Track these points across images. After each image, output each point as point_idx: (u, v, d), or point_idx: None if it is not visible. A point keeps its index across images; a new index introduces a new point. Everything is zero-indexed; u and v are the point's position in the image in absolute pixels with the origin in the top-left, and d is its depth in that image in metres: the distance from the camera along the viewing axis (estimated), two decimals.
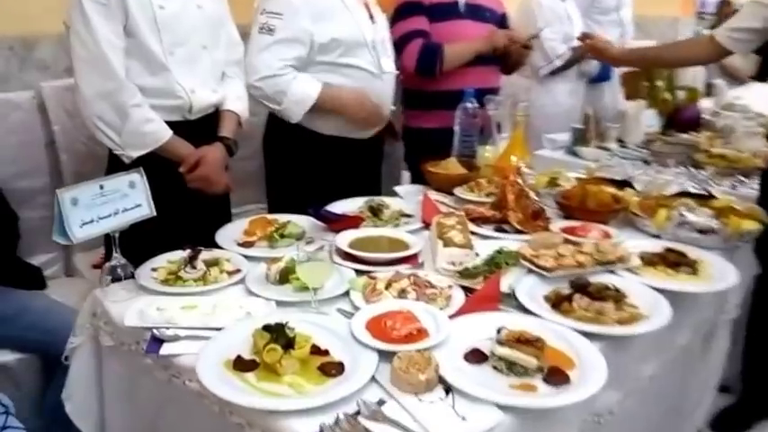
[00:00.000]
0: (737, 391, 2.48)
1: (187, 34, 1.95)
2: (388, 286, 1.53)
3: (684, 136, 2.97)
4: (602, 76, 3.51)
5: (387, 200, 2.11)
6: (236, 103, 2.15)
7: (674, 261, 1.77)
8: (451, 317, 1.44)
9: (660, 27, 4.00)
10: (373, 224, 1.95)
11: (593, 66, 3.43)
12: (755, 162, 2.62)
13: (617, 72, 3.49)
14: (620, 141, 2.90)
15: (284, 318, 1.35)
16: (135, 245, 1.76)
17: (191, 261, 1.57)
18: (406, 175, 3.17)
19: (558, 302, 1.55)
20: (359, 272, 1.64)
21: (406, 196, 2.23)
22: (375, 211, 1.99)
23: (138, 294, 1.54)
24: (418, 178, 2.64)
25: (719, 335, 2.03)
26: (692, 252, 1.81)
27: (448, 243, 1.70)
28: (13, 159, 2.22)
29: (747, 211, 2.04)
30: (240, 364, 1.26)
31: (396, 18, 2.76)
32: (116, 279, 1.52)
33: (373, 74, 2.36)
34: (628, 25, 3.72)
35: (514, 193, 1.99)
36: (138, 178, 1.51)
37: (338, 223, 1.86)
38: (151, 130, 1.90)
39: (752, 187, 2.43)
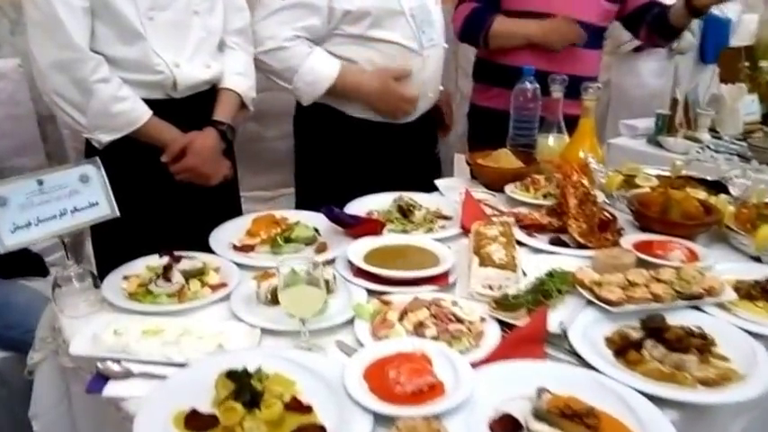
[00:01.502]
0: None
1: None
2: (402, 317, 1.21)
3: None
4: (709, 56, 2.99)
5: (419, 197, 1.77)
6: (237, 79, 1.79)
7: None
8: (479, 363, 1.11)
9: None
10: (402, 228, 1.62)
11: (687, 41, 2.93)
12: None
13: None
14: (714, 132, 2.45)
15: (262, 357, 1.06)
16: (118, 248, 1.51)
17: (165, 272, 1.29)
18: (460, 160, 2.78)
19: (623, 349, 1.19)
20: (372, 291, 1.33)
21: (447, 192, 1.89)
22: (404, 212, 1.66)
23: (100, 309, 1.27)
24: None
25: None
26: None
27: (485, 261, 1.36)
28: (1, 135, 1.98)
29: None
30: (193, 421, 0.97)
31: None
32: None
33: (412, 50, 1.97)
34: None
35: (578, 197, 1.63)
36: (94, 171, 1.22)
37: (355, 228, 1.53)
38: (122, 109, 1.57)
39: None
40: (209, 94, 1.74)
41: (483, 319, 1.23)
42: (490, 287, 1.33)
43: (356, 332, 1.19)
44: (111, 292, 1.29)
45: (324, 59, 1.91)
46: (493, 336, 1.19)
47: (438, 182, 1.96)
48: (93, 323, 1.20)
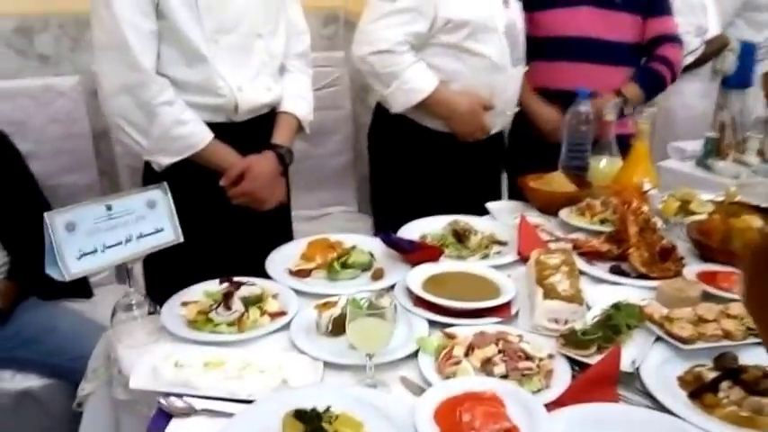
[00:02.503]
0: None
1: (237, 18, 1.58)
2: (468, 352, 1.18)
3: None
4: (741, 78, 2.95)
5: (473, 221, 1.74)
6: (297, 103, 1.78)
7: None
8: (551, 405, 1.07)
9: None
10: (457, 253, 1.59)
11: (730, 63, 2.89)
12: None
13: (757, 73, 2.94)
14: (763, 155, 2.39)
15: (328, 395, 1.03)
16: (170, 271, 1.49)
17: (225, 299, 1.27)
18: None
19: (698, 391, 1.15)
20: (432, 323, 1.30)
21: (499, 215, 1.86)
22: (459, 237, 1.63)
23: (159, 338, 1.25)
24: (516, 191, 2.25)
25: None
26: None
27: (550, 293, 1.32)
28: (57, 152, 1.98)
29: None
30: None
31: None
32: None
33: (499, 67, 1.99)
34: None
35: (638, 224, 1.58)
36: (161, 196, 1.21)
37: (413, 254, 1.50)
38: (184, 133, 1.55)
39: None
40: (268, 117, 1.72)
41: (551, 356, 1.19)
42: (555, 321, 1.30)
43: (421, 368, 1.16)
44: (171, 319, 1.27)
45: (424, 71, 1.96)
46: (563, 375, 1.15)
47: (489, 205, 1.92)
48: (151, 353, 1.18)
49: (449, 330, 1.26)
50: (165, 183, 1.24)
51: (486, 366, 1.15)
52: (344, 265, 1.48)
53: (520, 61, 2.08)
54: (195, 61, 1.55)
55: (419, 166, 2.07)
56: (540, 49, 2.21)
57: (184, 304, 1.32)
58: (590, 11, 2.21)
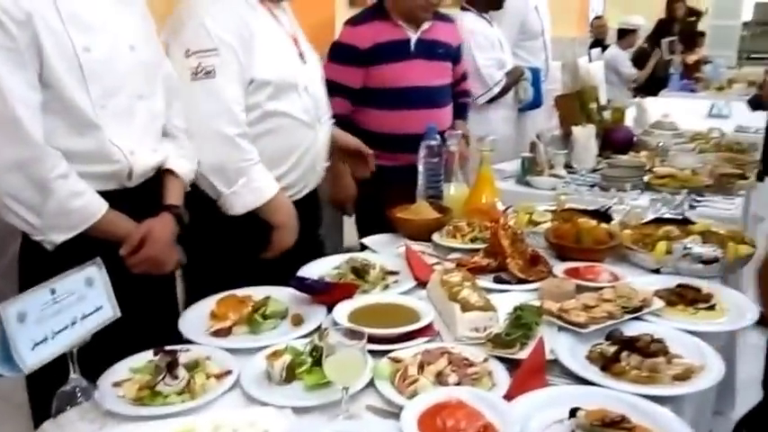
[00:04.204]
0: None
1: (120, 82, 1.54)
2: (420, 370, 1.28)
3: (626, 157, 2.94)
4: (535, 102, 3.44)
5: (366, 257, 1.84)
6: (182, 163, 1.74)
7: (692, 298, 1.65)
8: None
9: (561, 47, 4.03)
10: (361, 289, 1.68)
11: (528, 90, 3.36)
12: (703, 180, 2.61)
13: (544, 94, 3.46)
14: (569, 168, 2.81)
15: None
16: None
17: (170, 369, 1.23)
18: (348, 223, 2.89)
19: (607, 364, 1.36)
20: (371, 352, 1.37)
21: (379, 248, 1.98)
22: (359, 272, 1.72)
23: (104, 424, 1.18)
24: (367, 225, 2.42)
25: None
26: (698, 284, 1.70)
27: (467, 306, 1.47)
28: None
29: (731, 233, 1.98)
30: None
31: (328, 58, 2.56)
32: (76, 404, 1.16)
33: (306, 124, 2.01)
34: (549, 49, 3.71)
35: (509, 237, 1.80)
36: (96, 272, 1.15)
37: (329, 294, 1.57)
38: (80, 206, 1.47)
39: (709, 206, 2.40)
40: (154, 180, 1.67)
41: (486, 360, 1.34)
42: (476, 329, 1.45)
43: (384, 393, 1.23)
44: (112, 402, 1.21)
45: (266, 172, 1.90)
46: (501, 373, 1.30)
47: (366, 240, 2.04)
48: None
49: (393, 355, 1.35)
50: (99, 258, 1.18)
51: (441, 378, 1.26)
52: (265, 316, 1.50)
53: (325, 116, 2.12)
54: (85, 129, 1.47)
55: (228, 241, 1.92)
56: (379, 99, 2.52)
57: (116, 385, 1.26)
58: (420, 63, 2.54)
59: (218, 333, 1.48)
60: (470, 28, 3.18)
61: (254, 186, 1.87)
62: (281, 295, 1.60)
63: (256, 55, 1.87)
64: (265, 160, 1.93)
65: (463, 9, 3.30)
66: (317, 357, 1.27)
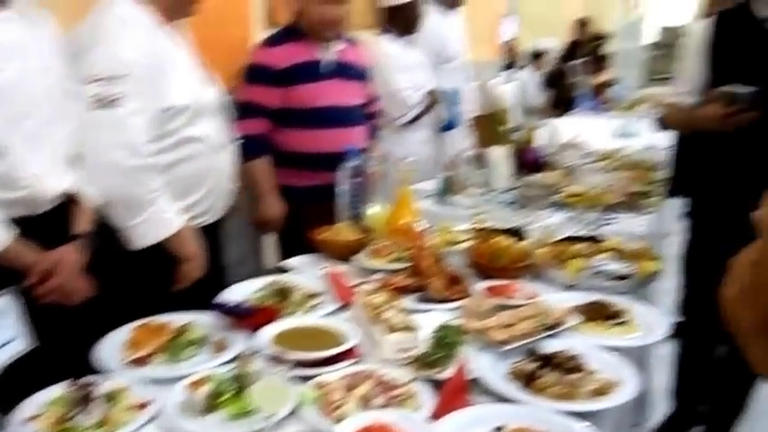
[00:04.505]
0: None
1: (29, 107, 1.48)
2: (346, 394, 1.27)
3: (538, 176, 3.04)
4: (453, 124, 3.52)
5: (288, 279, 1.83)
6: (91, 190, 1.68)
7: (606, 314, 1.72)
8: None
9: (476, 69, 4.15)
10: (284, 312, 1.66)
11: (446, 112, 3.43)
12: (612, 198, 2.74)
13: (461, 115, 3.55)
14: (485, 187, 2.88)
15: None
16: None
17: (85, 402, 1.18)
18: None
19: (528, 380, 1.40)
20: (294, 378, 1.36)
21: (303, 270, 1.97)
22: (283, 295, 1.70)
23: None
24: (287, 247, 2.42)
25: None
26: (611, 300, 1.78)
27: (391, 328, 1.48)
28: None
29: (640, 250, 2.08)
30: None
31: (243, 79, 2.57)
32: None
33: (218, 147, 2.01)
34: (465, 71, 3.81)
35: (430, 258, 1.83)
36: (8, 303, 1.09)
37: (250, 319, 1.54)
38: None
39: (619, 223, 2.52)
40: (63, 207, 1.60)
41: (410, 381, 1.35)
42: (400, 351, 1.46)
43: (310, 420, 1.22)
44: None
45: (172, 204, 1.87)
46: (426, 394, 1.32)
47: (288, 263, 2.03)
48: None
49: (318, 380, 1.33)
50: (13, 287, 1.12)
51: (367, 402, 1.26)
52: (184, 344, 1.46)
53: (232, 139, 2.13)
54: None
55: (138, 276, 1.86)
56: (297, 119, 2.54)
57: (31, 419, 1.19)
58: (334, 83, 2.58)
59: (136, 362, 1.43)
60: (389, 51, 3.24)
61: (158, 219, 1.82)
62: (202, 321, 1.57)
63: (170, 80, 1.85)
64: (181, 187, 1.91)
65: (381, 33, 3.36)
66: (240, 385, 1.24)
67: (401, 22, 3.31)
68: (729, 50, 2.27)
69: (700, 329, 2.41)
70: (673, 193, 2.66)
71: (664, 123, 2.57)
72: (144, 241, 1.82)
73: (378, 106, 2.99)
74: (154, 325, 1.54)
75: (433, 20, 3.58)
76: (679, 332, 2.37)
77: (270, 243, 2.83)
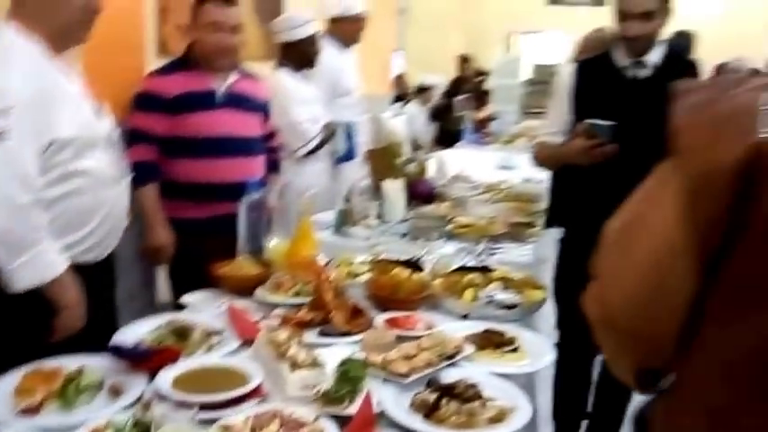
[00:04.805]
0: None
1: None
2: None
3: (430, 208, 3.14)
4: (349, 155, 3.58)
5: (186, 317, 1.79)
6: None
7: (498, 342, 1.81)
8: None
9: (369, 102, 4.26)
10: (185, 353, 1.62)
11: (342, 144, 3.50)
12: (498, 228, 2.88)
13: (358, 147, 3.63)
14: (380, 218, 2.95)
15: None
16: None
17: None
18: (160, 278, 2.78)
19: (429, 412, 1.45)
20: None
21: (201, 306, 1.93)
22: (181, 335, 1.67)
23: None
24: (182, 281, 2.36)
25: None
26: (501, 329, 1.87)
27: (295, 365, 1.49)
28: None
29: (526, 279, 2.20)
30: None
31: (132, 107, 2.52)
32: None
33: (109, 181, 1.95)
34: (360, 105, 3.89)
35: (332, 291, 1.85)
36: None
37: (152, 360, 1.50)
38: None
39: (504, 253, 2.65)
40: None
41: (317, 418, 1.36)
42: (306, 388, 1.46)
43: None
44: None
45: (56, 249, 1.78)
46: (333, 430, 1.33)
47: (185, 299, 1.98)
48: None
49: (223, 422, 1.31)
50: None
51: None
52: (79, 389, 1.40)
53: (125, 172, 2.07)
54: None
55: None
56: (189, 148, 2.52)
57: None
58: (228, 113, 2.58)
59: (26, 411, 1.35)
60: (287, 85, 3.27)
61: (42, 260, 1.72)
62: (96, 364, 1.50)
63: (56, 113, 1.78)
64: (66, 224, 1.83)
65: (277, 67, 3.40)
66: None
67: (296, 57, 3.36)
68: (592, 94, 2.51)
69: (573, 347, 2.56)
70: (550, 223, 2.83)
71: (536, 160, 2.76)
72: (24, 284, 1.71)
73: (279, 140, 3.01)
74: (44, 370, 1.46)
75: (330, 55, 3.65)
76: (557, 352, 2.52)
77: (162, 276, 2.75)
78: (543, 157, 2.72)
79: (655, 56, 2.44)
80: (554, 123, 2.62)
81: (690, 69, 2.50)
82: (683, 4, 2.93)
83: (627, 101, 2.43)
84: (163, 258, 2.57)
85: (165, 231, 2.53)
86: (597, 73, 2.54)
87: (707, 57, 3.08)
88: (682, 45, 4.91)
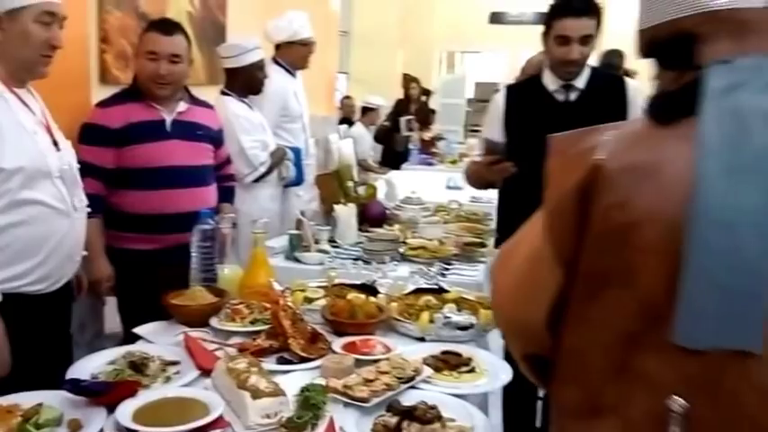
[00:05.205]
0: None
1: None
2: None
3: (382, 231, 3.18)
4: (298, 180, 3.59)
5: (141, 348, 1.77)
6: None
7: (455, 363, 1.85)
8: None
9: (314, 125, 4.29)
10: (143, 385, 1.60)
11: (291, 169, 3.51)
12: (449, 249, 2.93)
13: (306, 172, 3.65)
14: (333, 242, 2.97)
15: None
16: None
17: None
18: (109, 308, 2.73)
19: None
20: None
21: (155, 338, 1.91)
22: (138, 367, 1.65)
23: None
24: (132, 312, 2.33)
25: None
26: (457, 349, 1.91)
27: (256, 393, 1.49)
28: None
29: (479, 299, 2.25)
30: None
31: (78, 140, 2.45)
32: None
33: (61, 212, 1.94)
34: (308, 129, 3.91)
35: (289, 318, 1.86)
36: None
37: (110, 395, 1.47)
38: None
39: (457, 273, 2.70)
40: None
41: None
42: (267, 416, 1.47)
43: None
44: None
45: None
46: None
47: (139, 330, 1.95)
48: None
49: None
50: None
51: None
52: (38, 426, 1.37)
53: (81, 203, 2.07)
54: None
55: None
56: (137, 179, 2.50)
57: None
58: (178, 143, 2.57)
59: None
60: (234, 112, 3.26)
61: None
62: (53, 400, 1.47)
63: (4, 144, 1.79)
64: (15, 252, 1.83)
65: (223, 94, 3.38)
66: None
67: (243, 83, 3.36)
68: (522, 116, 2.64)
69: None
70: (500, 241, 2.90)
71: (468, 180, 2.86)
72: None
73: (231, 169, 3.01)
74: (1, 407, 1.43)
75: (277, 80, 3.66)
76: None
77: (110, 306, 2.69)
78: (470, 176, 2.83)
79: (582, 79, 2.59)
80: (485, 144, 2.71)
81: (617, 85, 2.65)
82: (612, 21, 3.08)
83: (556, 123, 2.52)
84: (104, 290, 2.52)
85: (105, 264, 2.48)
86: (528, 96, 2.68)
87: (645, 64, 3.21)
88: (613, 63, 5.13)
